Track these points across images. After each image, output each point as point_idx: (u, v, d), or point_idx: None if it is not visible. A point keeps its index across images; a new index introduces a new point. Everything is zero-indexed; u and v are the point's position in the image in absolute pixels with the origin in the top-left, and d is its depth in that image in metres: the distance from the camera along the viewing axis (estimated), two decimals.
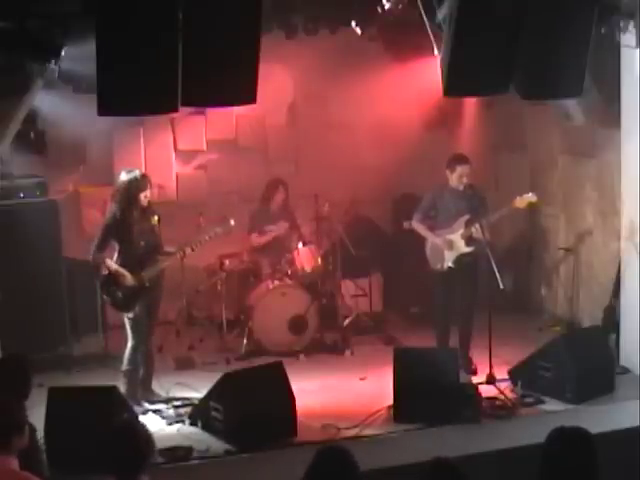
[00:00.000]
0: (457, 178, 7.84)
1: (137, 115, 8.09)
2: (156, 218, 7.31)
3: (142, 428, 4.15)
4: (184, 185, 10.01)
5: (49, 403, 6.28)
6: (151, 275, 7.22)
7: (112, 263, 7.15)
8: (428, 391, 6.73)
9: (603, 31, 6.86)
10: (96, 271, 7.40)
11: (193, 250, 7.51)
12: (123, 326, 7.30)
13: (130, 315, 7.19)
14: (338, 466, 3.84)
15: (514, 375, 7.40)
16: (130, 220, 7.13)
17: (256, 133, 10.09)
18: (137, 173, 7.23)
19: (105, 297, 7.35)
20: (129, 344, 7.25)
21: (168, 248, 7.42)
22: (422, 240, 8.10)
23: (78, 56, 6.09)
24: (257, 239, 9.08)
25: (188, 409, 7.11)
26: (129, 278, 7.12)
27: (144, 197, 7.17)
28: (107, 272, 7.18)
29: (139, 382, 7.34)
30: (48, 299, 8.20)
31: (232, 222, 7.72)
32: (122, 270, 7.13)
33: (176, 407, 7.22)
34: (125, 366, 7.26)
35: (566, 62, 6.02)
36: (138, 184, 7.15)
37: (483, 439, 6.50)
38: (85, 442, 5.96)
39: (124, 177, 7.19)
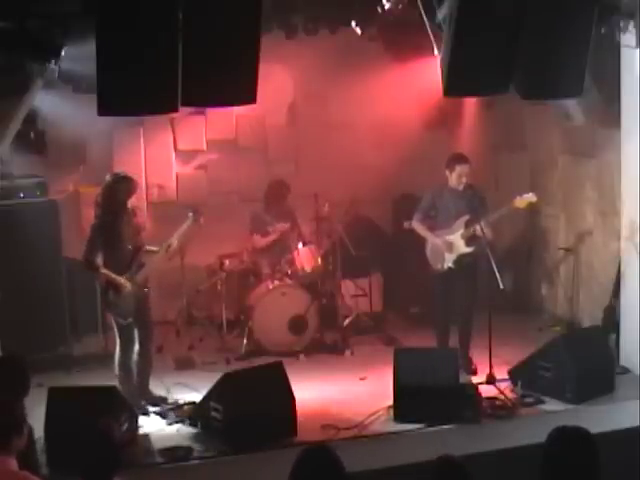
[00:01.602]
0: (456, 177, 7.84)
1: (137, 115, 8.09)
2: (136, 219, 7.28)
3: (117, 431, 4.11)
4: (184, 185, 10.01)
5: (49, 403, 6.28)
6: (143, 277, 7.19)
7: (109, 272, 7.04)
8: (428, 391, 6.73)
9: (603, 31, 6.86)
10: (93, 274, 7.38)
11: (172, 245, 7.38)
12: None
13: (122, 321, 7.09)
14: (322, 465, 3.84)
15: (514, 375, 7.40)
16: (117, 225, 7.05)
17: (256, 133, 10.09)
18: (119, 177, 7.14)
19: (106, 306, 7.23)
20: (118, 349, 7.16)
21: (150, 247, 7.33)
22: (422, 240, 8.09)
23: (78, 56, 6.09)
24: (260, 241, 9.06)
25: (188, 409, 7.11)
26: (128, 285, 7.07)
27: (130, 203, 7.11)
28: (104, 280, 7.12)
29: (136, 384, 7.29)
30: (48, 299, 8.20)
31: (190, 214, 7.44)
32: (120, 278, 7.05)
33: (176, 407, 7.21)
34: (117, 371, 7.18)
35: (566, 62, 6.02)
36: (122, 188, 7.08)
37: (483, 439, 6.49)
38: (85, 442, 5.96)
39: (107, 181, 7.10)
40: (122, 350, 7.15)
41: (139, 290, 7.15)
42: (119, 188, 7.07)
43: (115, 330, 7.16)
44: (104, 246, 7.06)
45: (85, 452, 4.01)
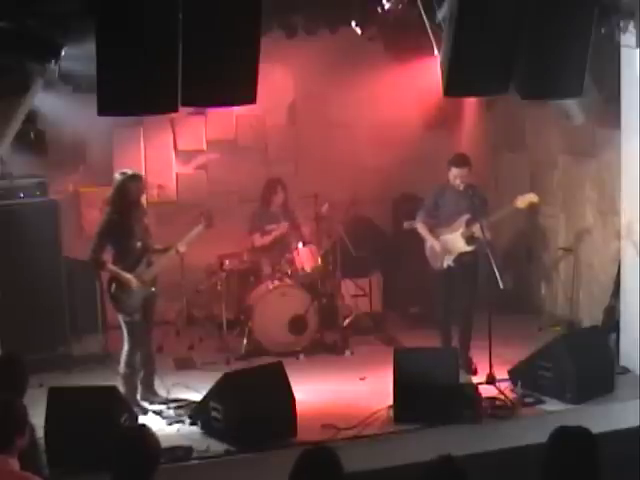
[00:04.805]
0: (452, 179, 7.85)
1: (137, 115, 8.09)
2: (146, 218, 7.32)
3: (152, 436, 4.05)
4: (184, 185, 10.01)
5: (49, 403, 6.28)
6: (152, 276, 7.22)
7: (115, 268, 7.11)
8: (428, 391, 6.73)
9: (603, 31, 6.85)
10: (96, 273, 7.37)
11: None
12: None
13: (127, 318, 7.15)
14: (322, 467, 3.83)
15: (514, 375, 7.40)
16: (127, 222, 7.11)
17: (256, 133, 10.09)
18: (131, 175, 7.19)
19: (113, 302, 7.25)
20: (125, 347, 7.21)
21: (157, 245, 7.38)
22: (422, 240, 8.10)
23: (78, 56, 6.09)
24: (259, 240, 9.06)
25: (188, 409, 7.11)
26: (134, 282, 7.10)
27: (141, 199, 7.16)
28: (110, 277, 7.15)
29: (140, 383, 7.34)
30: (48, 299, 8.20)
31: (200, 225, 7.45)
32: (126, 274, 7.09)
33: (176, 407, 7.22)
34: (122, 369, 7.23)
35: (566, 62, 6.02)
36: (134, 186, 7.13)
37: (483, 439, 6.50)
38: (85, 442, 5.97)
39: (119, 179, 7.16)
40: (131, 348, 7.19)
41: (146, 288, 7.18)
42: (130, 186, 7.12)
43: (123, 328, 7.19)
44: (114, 243, 7.12)
45: (121, 456, 3.92)
